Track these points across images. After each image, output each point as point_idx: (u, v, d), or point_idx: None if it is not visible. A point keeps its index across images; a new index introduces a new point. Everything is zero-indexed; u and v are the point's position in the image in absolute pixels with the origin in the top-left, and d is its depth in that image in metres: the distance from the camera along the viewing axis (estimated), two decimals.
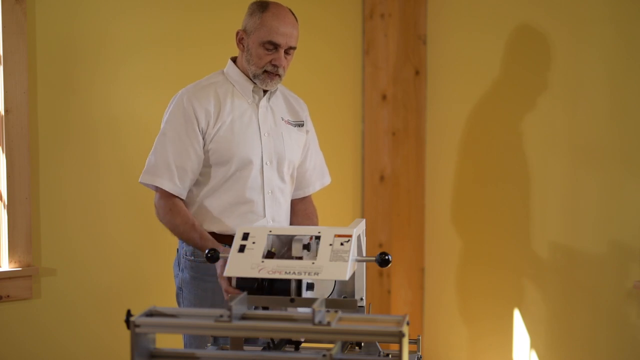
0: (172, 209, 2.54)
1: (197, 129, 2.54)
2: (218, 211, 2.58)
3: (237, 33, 2.61)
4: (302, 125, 2.73)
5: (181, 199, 2.58)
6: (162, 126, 2.60)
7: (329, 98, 4.15)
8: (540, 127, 3.74)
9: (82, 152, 3.36)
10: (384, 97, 4.19)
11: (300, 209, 2.79)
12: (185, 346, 2.60)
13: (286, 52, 2.56)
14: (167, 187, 2.54)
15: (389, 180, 4.20)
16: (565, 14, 3.61)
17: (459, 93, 4.11)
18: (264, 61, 2.54)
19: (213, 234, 2.57)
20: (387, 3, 4.13)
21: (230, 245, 2.36)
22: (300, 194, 2.80)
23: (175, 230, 2.56)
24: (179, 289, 2.65)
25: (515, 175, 3.85)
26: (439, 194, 4.22)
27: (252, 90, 2.61)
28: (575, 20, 3.57)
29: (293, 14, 2.60)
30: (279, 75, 2.57)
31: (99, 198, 3.40)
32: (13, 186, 3.16)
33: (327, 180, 2.88)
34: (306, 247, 2.07)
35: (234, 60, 2.67)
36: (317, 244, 2.10)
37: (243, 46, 2.59)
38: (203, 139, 2.55)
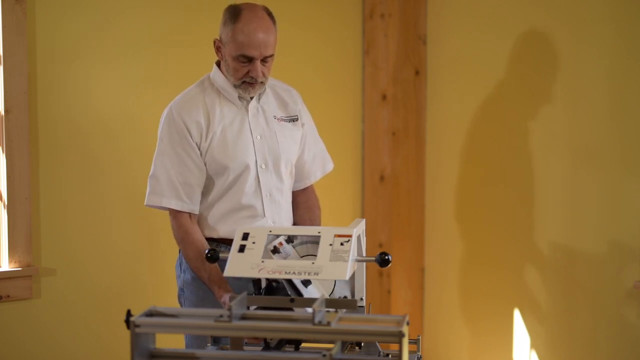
0: (184, 239, 2.51)
1: (192, 142, 2.50)
2: (217, 218, 2.56)
3: (214, 42, 2.54)
4: (297, 119, 2.66)
5: (194, 214, 2.55)
6: (157, 145, 2.55)
7: (329, 98, 4.15)
8: (540, 127, 3.74)
9: (82, 152, 3.36)
10: (384, 97, 4.19)
11: (302, 201, 2.75)
12: (186, 346, 2.60)
13: (263, 61, 2.47)
14: (175, 205, 2.51)
15: (389, 180, 4.20)
16: (565, 14, 3.61)
17: (459, 93, 4.11)
18: (240, 73, 2.48)
19: (212, 239, 2.56)
20: (387, 3, 4.13)
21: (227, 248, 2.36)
22: (301, 185, 2.75)
23: (186, 259, 2.53)
24: (181, 289, 2.65)
25: (516, 175, 3.85)
26: (439, 194, 4.23)
27: (239, 96, 2.56)
28: (575, 21, 3.57)
29: (269, 16, 2.49)
30: (261, 83, 2.50)
31: (98, 198, 3.40)
32: (13, 186, 3.16)
33: (329, 167, 2.81)
34: (275, 250, 2.06)
35: (219, 64, 2.61)
36: (293, 245, 2.10)
37: (221, 54, 2.53)
38: (199, 149, 2.52)
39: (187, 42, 3.61)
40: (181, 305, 2.65)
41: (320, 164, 2.78)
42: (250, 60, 2.45)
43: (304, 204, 2.75)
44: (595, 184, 3.52)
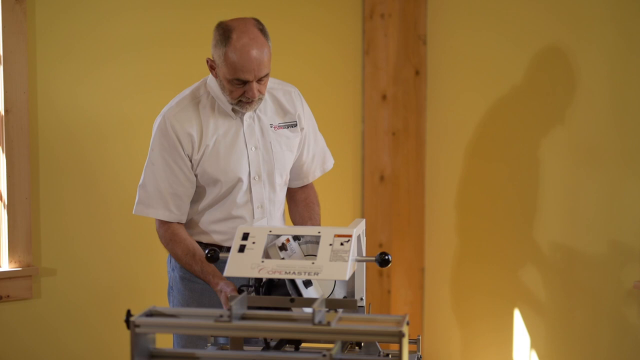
0: (172, 239, 2.51)
1: (184, 154, 2.48)
2: (208, 224, 2.55)
3: (207, 61, 2.47)
4: (295, 125, 2.61)
5: (181, 222, 2.54)
6: (148, 154, 2.53)
7: (329, 98, 4.15)
8: (540, 127, 3.74)
9: (82, 152, 3.36)
10: (384, 97, 4.19)
11: (301, 199, 2.72)
12: (174, 344, 2.59)
13: (259, 80, 2.41)
14: (163, 216, 2.50)
15: (389, 180, 4.20)
16: (565, 13, 3.61)
17: (459, 93, 4.11)
18: (236, 94, 2.42)
19: (200, 243, 2.56)
20: (387, 3, 4.13)
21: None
22: (300, 183, 2.73)
23: (177, 259, 2.52)
24: (170, 287, 2.65)
25: (516, 174, 3.85)
26: (439, 194, 4.23)
27: (233, 110, 2.51)
28: (575, 20, 3.57)
29: (261, 32, 2.40)
30: (259, 99, 2.45)
31: (98, 198, 3.40)
32: (13, 186, 3.16)
33: (330, 164, 2.78)
34: (282, 247, 2.07)
35: None
36: (299, 243, 2.11)
37: (215, 74, 2.46)
38: (190, 162, 2.49)
39: (188, 42, 3.61)
40: (170, 302, 2.65)
41: (320, 163, 2.75)
42: (245, 82, 2.39)
43: (303, 202, 2.73)
44: (595, 184, 3.52)
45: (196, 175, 2.51)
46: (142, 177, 2.53)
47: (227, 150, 2.50)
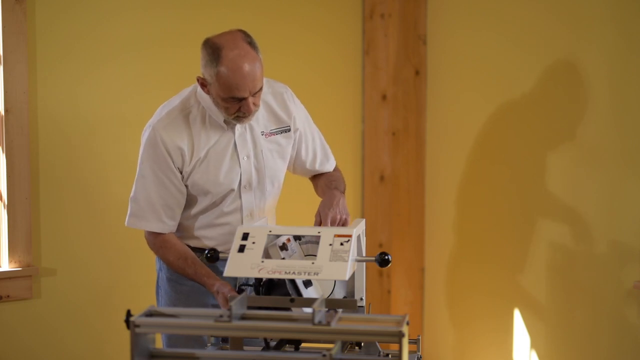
0: (163, 246, 2.50)
1: (174, 166, 2.45)
2: (197, 229, 2.55)
3: (198, 79, 2.40)
4: (289, 130, 2.57)
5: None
6: (138, 167, 2.49)
7: (329, 98, 4.15)
8: (540, 126, 3.74)
9: (82, 152, 3.36)
10: (384, 97, 4.19)
11: (320, 177, 2.71)
12: (163, 343, 2.58)
13: (254, 94, 2.36)
14: (156, 228, 2.48)
15: (389, 180, 4.20)
16: (565, 13, 3.61)
17: (459, 93, 4.11)
18: (231, 110, 2.37)
19: (188, 246, 2.55)
20: (387, 3, 4.13)
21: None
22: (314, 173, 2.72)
23: (168, 264, 2.51)
24: (158, 286, 2.65)
25: (516, 174, 3.85)
26: (439, 194, 4.23)
27: (225, 121, 2.47)
28: (575, 20, 3.57)
29: (250, 45, 2.33)
30: (255, 112, 2.40)
31: (98, 198, 3.40)
32: (13, 186, 3.16)
33: (333, 161, 2.76)
34: (283, 247, 2.08)
35: None
36: (299, 243, 2.11)
37: (207, 90, 2.40)
38: (181, 173, 2.47)
39: (189, 41, 3.61)
40: (157, 301, 2.66)
41: (325, 159, 2.72)
42: (239, 100, 2.34)
43: (320, 175, 2.71)
44: (595, 184, 3.52)
45: (187, 186, 2.49)
46: (133, 190, 2.50)
47: (218, 162, 2.47)
